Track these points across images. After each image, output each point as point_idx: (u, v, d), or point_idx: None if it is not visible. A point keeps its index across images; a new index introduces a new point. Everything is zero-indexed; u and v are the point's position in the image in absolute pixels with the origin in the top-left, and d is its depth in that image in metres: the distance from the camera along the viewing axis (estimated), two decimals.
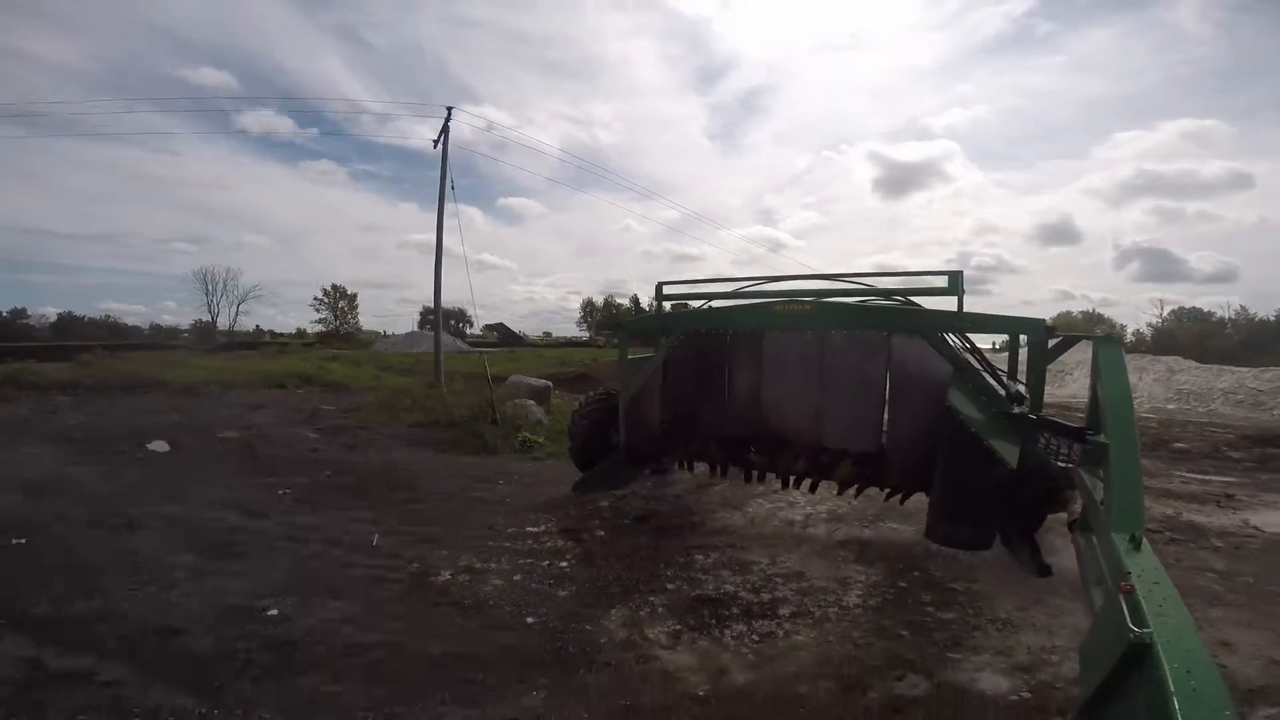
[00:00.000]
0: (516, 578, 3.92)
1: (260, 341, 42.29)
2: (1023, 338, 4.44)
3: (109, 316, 64.62)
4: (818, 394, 4.79)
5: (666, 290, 6.00)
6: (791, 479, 5.08)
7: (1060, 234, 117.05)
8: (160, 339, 50.34)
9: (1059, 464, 3.84)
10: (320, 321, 58.47)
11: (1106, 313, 65.77)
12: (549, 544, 4.57)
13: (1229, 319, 46.16)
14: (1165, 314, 51.07)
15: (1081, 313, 60.87)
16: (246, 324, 60.47)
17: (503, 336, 46.63)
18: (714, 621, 3.33)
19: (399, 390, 13.40)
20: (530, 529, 4.90)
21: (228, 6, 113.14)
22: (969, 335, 4.64)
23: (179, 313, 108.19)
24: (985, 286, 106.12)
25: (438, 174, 17.89)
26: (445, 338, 43.38)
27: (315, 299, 60.75)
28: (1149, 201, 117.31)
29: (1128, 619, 1.71)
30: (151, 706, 2.50)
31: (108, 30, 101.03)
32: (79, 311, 59.45)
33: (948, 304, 4.57)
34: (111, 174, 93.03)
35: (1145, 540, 2.24)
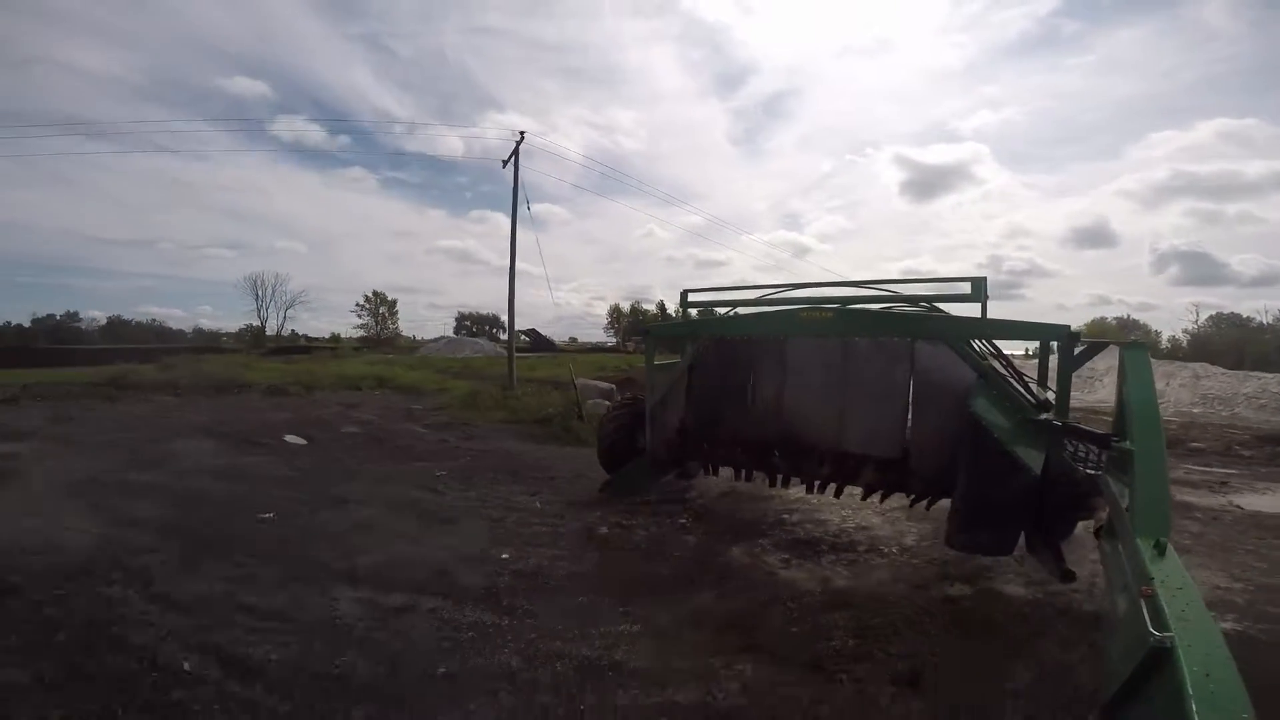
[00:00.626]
0: (654, 529, 5.25)
1: (312, 346, 44.47)
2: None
3: (155, 320, 67.86)
4: (841, 400, 4.86)
5: (692, 297, 6.16)
6: (815, 484, 5.19)
7: (1095, 237, 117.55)
8: (211, 342, 53.02)
9: (1086, 470, 3.91)
10: (361, 327, 61.26)
11: (1144, 317, 65.04)
12: (665, 508, 5.88)
13: (1267, 324, 45.89)
14: (1202, 319, 50.70)
15: (1116, 318, 60.23)
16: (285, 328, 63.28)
17: (534, 342, 48.17)
18: (811, 553, 4.67)
19: (473, 392, 14.88)
20: (645, 499, 6.22)
21: (260, 19, 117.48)
22: (995, 341, 4.72)
23: (215, 316, 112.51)
24: (1018, 291, 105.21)
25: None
26: (483, 343, 45.27)
27: (357, 305, 63.61)
28: (1187, 203, 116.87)
29: (1148, 623, 1.73)
30: (473, 621, 3.48)
31: (149, 41, 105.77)
32: (124, 315, 62.69)
33: (972, 310, 4.74)
34: (152, 182, 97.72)
35: (1170, 546, 2.25)
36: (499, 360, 28.95)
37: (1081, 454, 4.28)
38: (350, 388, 17.33)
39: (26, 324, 57.04)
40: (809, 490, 5.27)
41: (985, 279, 4.63)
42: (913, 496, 4.75)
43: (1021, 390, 4.37)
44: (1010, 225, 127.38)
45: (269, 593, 3.81)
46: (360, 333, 58.92)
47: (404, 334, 62.67)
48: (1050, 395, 4.34)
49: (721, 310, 6.06)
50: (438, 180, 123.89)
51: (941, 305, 4.97)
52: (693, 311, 6.23)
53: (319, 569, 4.25)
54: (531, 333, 49.89)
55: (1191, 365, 24.34)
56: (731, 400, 5.50)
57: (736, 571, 4.36)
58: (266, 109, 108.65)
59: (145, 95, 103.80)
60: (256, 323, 57.44)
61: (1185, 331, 50.15)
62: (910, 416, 4.59)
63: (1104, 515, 3.54)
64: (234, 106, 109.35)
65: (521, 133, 19.76)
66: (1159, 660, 1.64)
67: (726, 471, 5.94)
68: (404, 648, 3.19)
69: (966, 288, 4.75)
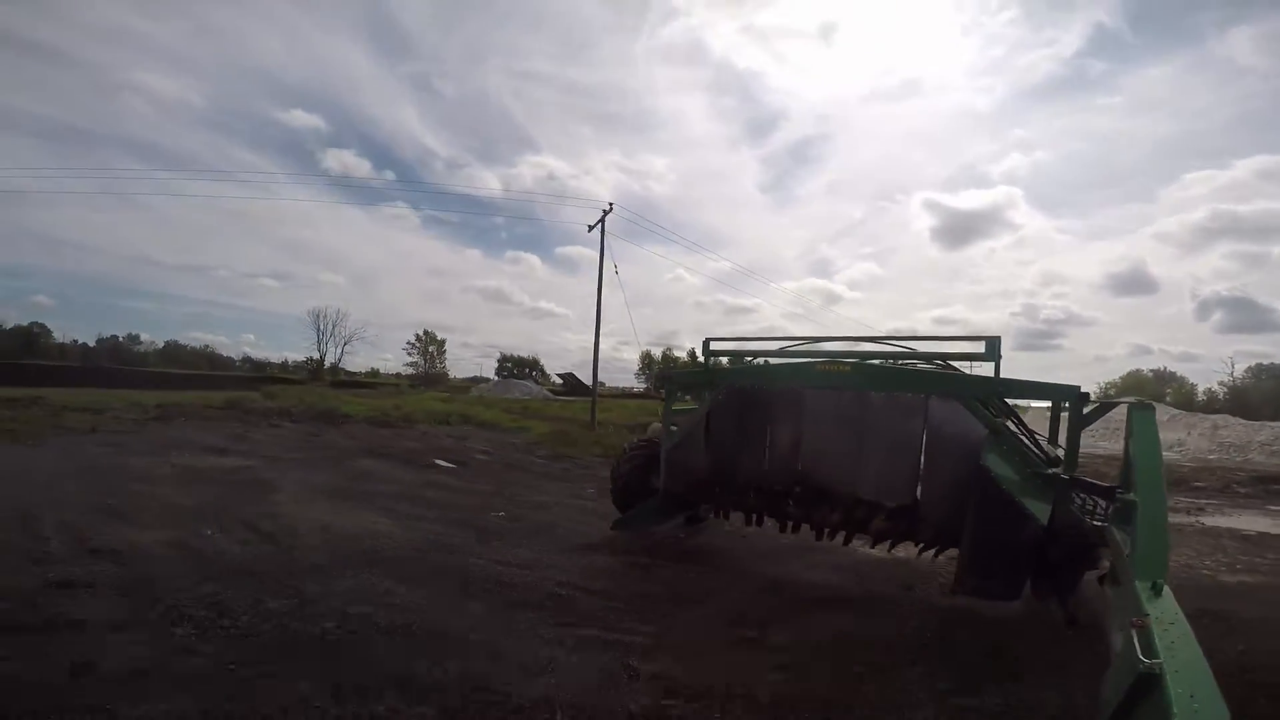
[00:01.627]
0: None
1: (375, 382, 46.95)
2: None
3: (207, 347, 71.32)
4: (856, 450, 4.99)
5: (714, 345, 6.32)
6: (826, 531, 5.31)
7: (1133, 283, 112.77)
8: (259, 371, 55.69)
9: (1094, 522, 4.08)
10: (411, 364, 64.67)
11: (1186, 368, 63.00)
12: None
13: None
14: (1241, 370, 50.24)
15: (1152, 371, 59.14)
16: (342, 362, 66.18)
17: (571, 385, 49.96)
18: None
19: (560, 431, 16.62)
20: None
21: (317, 54, 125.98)
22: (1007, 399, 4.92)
23: (259, 345, 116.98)
24: (1055, 341, 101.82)
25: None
26: (530, 385, 47.27)
27: (409, 343, 67.32)
28: (1228, 245, 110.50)
29: (1138, 651, 1.80)
30: (675, 565, 5.37)
31: (211, 70, 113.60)
32: (177, 339, 66.09)
33: (986, 369, 4.93)
34: (210, 209, 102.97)
35: (1167, 588, 2.35)
36: (549, 403, 30.76)
37: (1089, 507, 4.45)
38: (440, 422, 19.13)
39: (91, 343, 60.63)
40: (818, 537, 5.40)
41: (999, 339, 4.80)
42: (921, 544, 4.94)
43: (1031, 446, 4.57)
44: (1045, 272, 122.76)
45: (564, 556, 5.63)
46: (410, 370, 61.74)
47: (449, 374, 65.32)
48: (1060, 452, 4.56)
49: (743, 359, 6.32)
50: (475, 221, 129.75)
51: (956, 363, 5.17)
52: (714, 359, 6.36)
53: (576, 542, 6.18)
54: (569, 376, 51.75)
55: (1213, 417, 25.64)
56: (748, 446, 5.63)
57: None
58: (319, 142, 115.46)
59: (208, 124, 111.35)
60: (315, 355, 60.85)
61: (1221, 384, 49.98)
62: (922, 468, 4.73)
63: (1108, 564, 3.67)
64: (290, 137, 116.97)
65: (610, 204, 22.25)
66: (1148, 686, 1.73)
67: (737, 516, 6.00)
68: (648, 579, 5.11)
69: (981, 346, 4.90)
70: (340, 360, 61.75)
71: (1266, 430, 21.25)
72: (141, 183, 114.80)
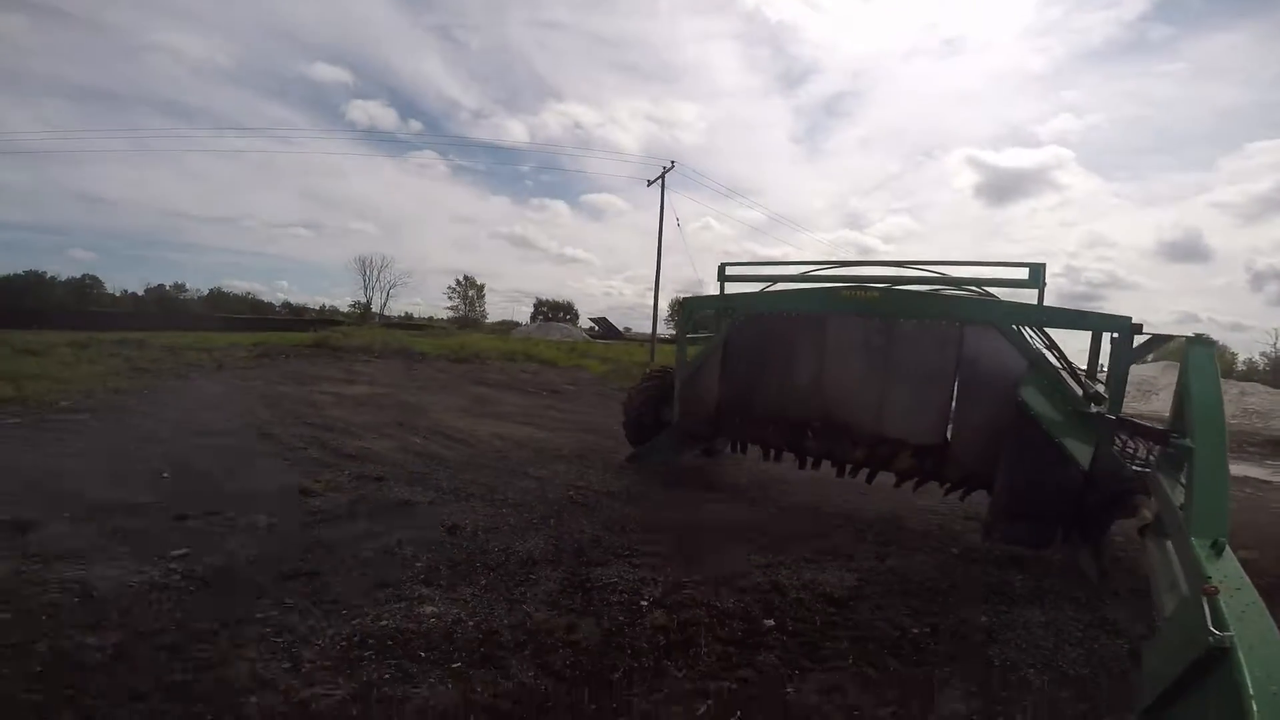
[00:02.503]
0: None
1: (421, 324, 48.82)
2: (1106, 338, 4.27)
3: (249, 294, 73.65)
4: (882, 382, 4.72)
5: (729, 271, 5.87)
6: (849, 467, 5.08)
7: (1186, 251, 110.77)
8: (297, 315, 57.85)
9: (1134, 467, 3.79)
10: (451, 308, 66.68)
11: (1235, 338, 62.23)
12: None
13: None
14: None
15: (1188, 338, 59.31)
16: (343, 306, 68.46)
17: (605, 330, 51.23)
18: None
19: (616, 368, 17.96)
20: None
21: (340, 8, 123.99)
22: (1049, 332, 4.52)
23: (293, 291, 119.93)
24: (1096, 304, 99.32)
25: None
26: (569, 327, 48.64)
27: (449, 287, 69.13)
28: None
29: (1209, 621, 1.66)
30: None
31: (236, 28, 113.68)
32: (210, 286, 68.38)
33: (1028, 298, 4.48)
34: (240, 162, 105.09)
35: (1229, 548, 2.17)
36: (592, 344, 32.14)
37: (1130, 450, 4.18)
38: (506, 359, 20.56)
39: (141, 292, 63.09)
40: (840, 474, 5.18)
41: (1044, 265, 4.34)
42: (948, 485, 4.65)
43: (1073, 382, 4.17)
44: (1090, 234, 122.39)
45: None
46: (450, 313, 63.67)
47: (486, 318, 67.23)
48: (1100, 389, 4.21)
49: (760, 286, 5.79)
50: (501, 169, 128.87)
51: (994, 291, 4.75)
52: (729, 286, 5.91)
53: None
54: (602, 321, 53.01)
55: (1241, 384, 26.04)
56: (766, 378, 5.37)
57: None
58: (346, 95, 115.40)
59: (235, 80, 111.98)
60: (363, 299, 63.29)
61: (1263, 355, 49.72)
62: (954, 403, 4.46)
63: (1149, 514, 3.41)
64: (316, 92, 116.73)
65: (671, 162, 22.68)
66: (1215, 661, 1.59)
67: (754, 450, 5.80)
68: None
69: (1023, 273, 4.44)
70: (385, 305, 63.93)
71: None
72: (171, 140, 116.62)
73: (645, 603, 3.26)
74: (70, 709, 2.18)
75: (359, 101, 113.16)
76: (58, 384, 9.53)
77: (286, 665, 2.49)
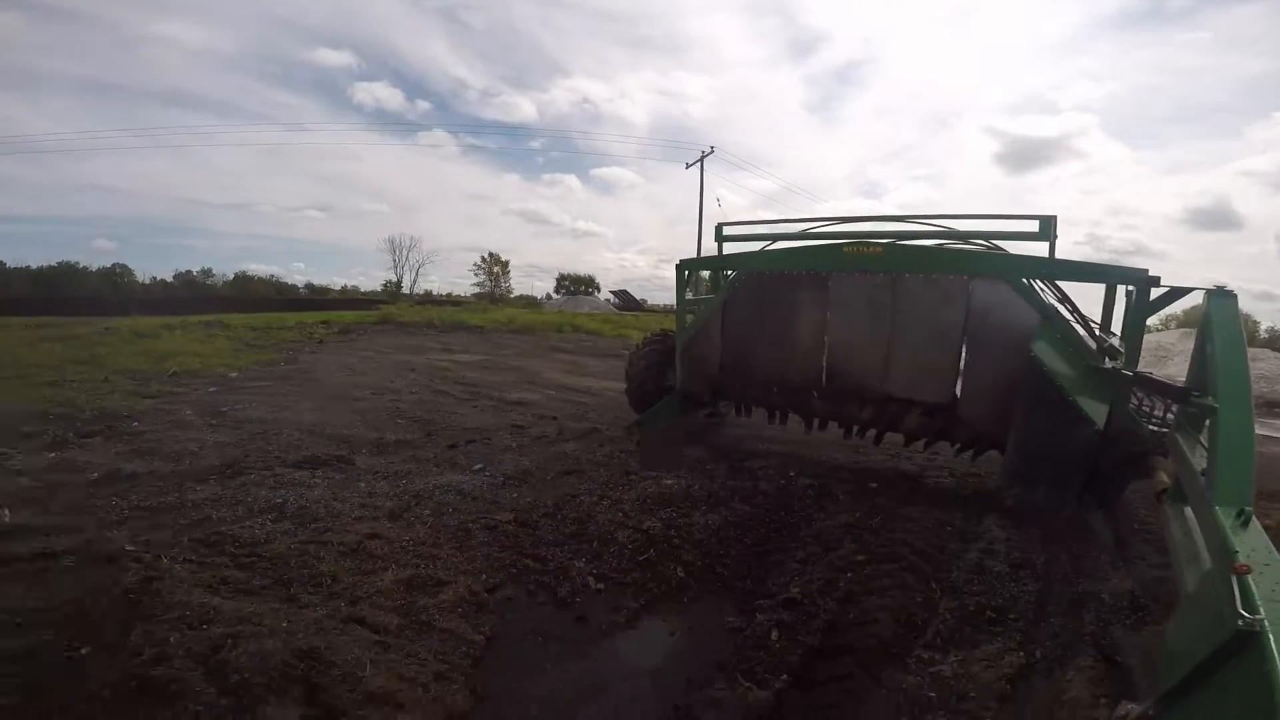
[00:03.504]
0: None
1: (455, 300, 50.39)
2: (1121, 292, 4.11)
3: (273, 276, 75.27)
4: (888, 340, 4.58)
5: (727, 231, 5.76)
6: (855, 429, 5.06)
7: (1215, 219, 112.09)
8: (319, 295, 59.51)
9: (1150, 427, 3.63)
10: (477, 284, 68.22)
11: (1265, 308, 62.68)
12: None
13: None
14: None
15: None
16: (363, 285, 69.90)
17: (625, 302, 52.46)
18: None
19: None
20: None
21: None
22: (1061, 286, 4.40)
23: (306, 273, 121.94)
24: None
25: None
26: (598, 299, 49.96)
27: (475, 264, 70.81)
28: None
29: (1238, 602, 1.56)
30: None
31: (239, 18, 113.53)
32: (222, 270, 69.91)
33: (1039, 251, 4.32)
34: (249, 149, 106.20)
35: (1254, 518, 2.03)
36: (621, 315, 33.56)
37: (1147, 408, 4.04)
38: (555, 330, 22.05)
39: (169, 278, 64.80)
40: (847, 435, 5.21)
41: (1055, 217, 4.18)
42: (958, 445, 4.64)
43: (1088, 336, 4.06)
44: (1113, 202, 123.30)
45: None
46: (476, 289, 65.15)
47: (512, 293, 68.59)
48: (1115, 342, 4.07)
49: (760, 245, 5.61)
50: (512, 147, 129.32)
51: (1004, 246, 4.66)
52: (728, 247, 5.82)
53: None
54: (623, 293, 54.17)
55: (1252, 349, 27.09)
56: (770, 338, 5.24)
57: None
58: (352, 79, 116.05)
59: (240, 68, 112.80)
60: (394, 278, 65.20)
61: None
62: (963, 360, 4.35)
63: (1166, 478, 3.22)
64: (323, 76, 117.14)
65: (711, 147, 23.61)
66: (1244, 644, 1.49)
67: (760, 413, 5.81)
68: None
69: (1034, 226, 4.28)
70: (415, 283, 65.78)
71: None
72: (182, 130, 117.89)
73: (793, 473, 4.88)
74: (526, 547, 3.77)
75: (365, 84, 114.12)
76: (200, 359, 11.00)
77: (620, 513, 4.04)
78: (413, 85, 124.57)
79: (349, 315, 25.19)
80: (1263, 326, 51.43)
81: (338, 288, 75.36)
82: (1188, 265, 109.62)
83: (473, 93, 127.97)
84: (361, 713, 2.03)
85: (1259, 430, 10.17)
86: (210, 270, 69.54)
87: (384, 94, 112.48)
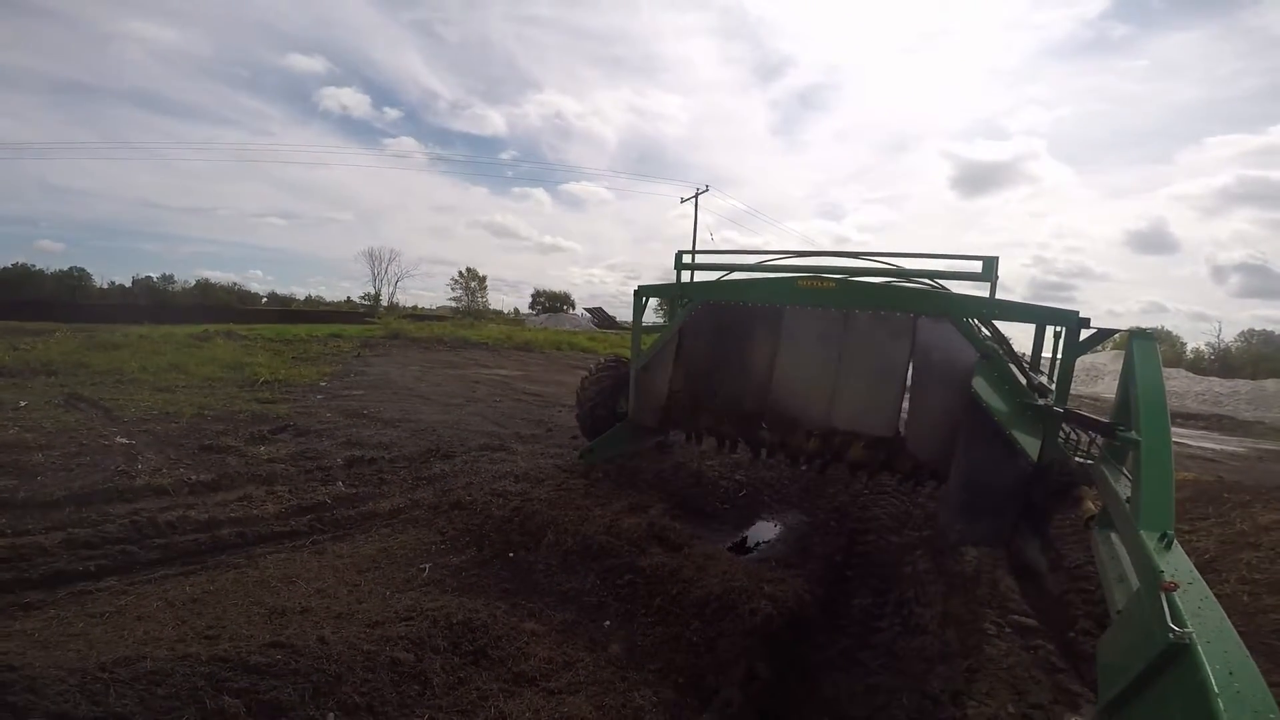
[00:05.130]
0: None
1: (439, 315, 51.04)
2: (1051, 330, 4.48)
3: (235, 284, 73.82)
4: (836, 373, 4.76)
5: (686, 259, 5.85)
6: (801, 459, 5.16)
7: (1152, 243, 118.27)
8: (284, 305, 59.08)
9: (1077, 460, 3.84)
10: (454, 299, 68.32)
11: (1199, 328, 67.46)
12: None
13: None
14: (1223, 337, 54.29)
15: (1150, 329, 63.04)
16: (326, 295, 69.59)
17: (599, 319, 53.99)
18: None
19: None
20: None
21: (321, 5, 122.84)
22: (997, 325, 4.68)
23: (266, 281, 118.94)
24: (1066, 294, 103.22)
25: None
26: (578, 317, 51.57)
27: (452, 279, 70.75)
28: (1251, 211, 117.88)
29: (1168, 618, 1.68)
30: None
31: (213, 19, 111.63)
32: (171, 275, 68.28)
33: (981, 291, 4.51)
34: (212, 152, 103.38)
35: (1176, 541, 2.20)
36: (604, 333, 35.49)
37: (1073, 442, 4.17)
38: (555, 348, 23.81)
39: (128, 284, 62.92)
40: (792, 465, 5.39)
41: (997, 259, 4.38)
42: (900, 476, 4.84)
43: (1020, 374, 4.28)
44: (1059, 225, 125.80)
45: None
46: (453, 304, 65.65)
47: (491, 307, 69.22)
48: (1043, 379, 4.30)
49: (718, 275, 5.77)
50: (480, 158, 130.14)
51: (949, 284, 4.82)
52: (686, 274, 5.91)
53: None
54: (597, 311, 55.58)
55: (1166, 369, 31.03)
56: (722, 368, 5.39)
57: None
58: (324, 88, 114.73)
59: (209, 72, 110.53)
60: (371, 291, 65.74)
61: (1209, 345, 54.03)
62: (908, 395, 4.55)
63: (1093, 506, 3.49)
64: (294, 83, 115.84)
65: (705, 185, 25.88)
66: (1176, 657, 1.61)
67: (710, 441, 5.96)
68: None
69: (978, 266, 4.50)
70: (393, 296, 66.22)
71: (1202, 384, 27.32)
72: (144, 131, 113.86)
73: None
74: (672, 486, 5.73)
75: (333, 89, 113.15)
76: (267, 369, 12.12)
77: (717, 471, 6.06)
78: (383, 94, 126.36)
79: (350, 329, 26.20)
80: (1189, 347, 56.84)
81: (301, 297, 74.59)
82: (1129, 286, 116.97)
83: (443, 104, 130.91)
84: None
85: (1178, 437, 10.04)
86: (172, 276, 67.89)
87: (352, 101, 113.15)
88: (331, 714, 2.24)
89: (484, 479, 5.62)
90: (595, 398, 6.29)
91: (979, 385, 3.96)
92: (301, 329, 25.13)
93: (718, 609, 3.19)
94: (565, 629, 3.25)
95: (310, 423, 7.63)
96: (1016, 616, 3.42)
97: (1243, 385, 26.22)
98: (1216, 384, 27.14)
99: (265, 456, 6.07)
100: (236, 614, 3.01)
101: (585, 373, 6.76)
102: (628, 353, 6.26)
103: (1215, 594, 2.99)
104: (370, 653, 2.54)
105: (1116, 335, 4.39)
